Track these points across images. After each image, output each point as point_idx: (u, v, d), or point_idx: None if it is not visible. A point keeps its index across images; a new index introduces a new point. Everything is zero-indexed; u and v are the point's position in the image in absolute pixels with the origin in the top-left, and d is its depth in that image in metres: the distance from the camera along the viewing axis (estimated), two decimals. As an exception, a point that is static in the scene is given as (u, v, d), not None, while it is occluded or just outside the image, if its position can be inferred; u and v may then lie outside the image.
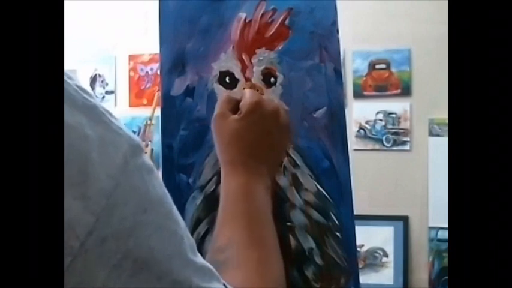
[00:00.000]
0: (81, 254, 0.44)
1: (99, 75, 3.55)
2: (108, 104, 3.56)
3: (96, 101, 0.49)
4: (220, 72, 0.86)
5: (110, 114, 0.50)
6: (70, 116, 0.46)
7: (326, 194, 0.83)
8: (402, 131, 2.95)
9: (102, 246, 0.45)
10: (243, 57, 0.85)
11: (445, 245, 2.80)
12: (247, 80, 0.85)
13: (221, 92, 0.86)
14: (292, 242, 0.83)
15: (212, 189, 0.84)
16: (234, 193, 0.74)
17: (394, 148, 2.96)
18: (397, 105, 2.96)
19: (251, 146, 0.77)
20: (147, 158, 0.50)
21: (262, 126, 0.78)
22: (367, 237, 2.86)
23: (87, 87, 3.75)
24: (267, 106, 0.79)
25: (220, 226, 0.72)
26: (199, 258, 0.52)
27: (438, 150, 2.79)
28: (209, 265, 0.53)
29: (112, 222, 0.45)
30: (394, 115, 2.96)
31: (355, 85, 3.00)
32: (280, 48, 0.85)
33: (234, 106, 0.80)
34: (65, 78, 0.48)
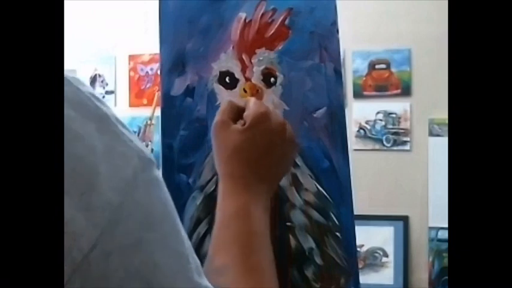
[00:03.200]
0: (83, 267, 0.43)
1: (99, 75, 3.55)
2: (108, 104, 3.56)
3: (108, 110, 0.48)
4: (220, 72, 0.86)
5: (122, 124, 0.48)
6: (80, 125, 0.45)
7: (326, 194, 0.83)
8: (402, 131, 2.95)
9: (106, 261, 0.44)
10: (243, 57, 0.85)
11: (445, 245, 2.80)
12: (247, 80, 0.85)
13: (221, 92, 0.86)
14: (292, 242, 0.83)
15: (212, 189, 0.84)
16: (232, 213, 0.71)
17: (394, 148, 2.96)
18: (397, 105, 2.96)
19: (254, 161, 0.73)
20: (157, 172, 0.49)
21: (268, 141, 0.74)
22: (367, 237, 2.86)
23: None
24: (273, 119, 0.76)
25: (217, 246, 0.69)
26: (204, 280, 0.51)
27: (438, 150, 2.79)
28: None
29: (117, 237, 0.44)
30: (394, 115, 2.96)
31: (355, 85, 3.00)
32: (280, 48, 0.85)
33: (236, 114, 0.77)
34: (78, 85, 0.47)
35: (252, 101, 0.78)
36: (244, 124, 0.75)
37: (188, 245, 0.50)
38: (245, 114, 0.76)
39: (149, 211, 0.47)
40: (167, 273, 0.47)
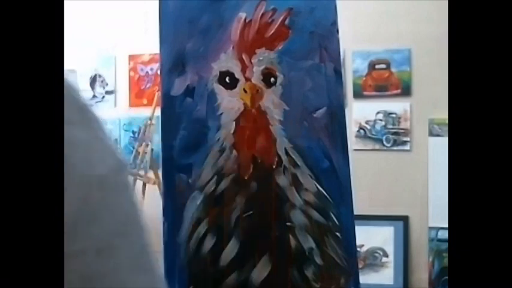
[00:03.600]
0: None
1: (99, 75, 3.55)
2: (108, 104, 3.57)
3: (88, 103, 0.46)
4: (220, 72, 0.86)
5: (100, 121, 0.46)
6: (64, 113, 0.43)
7: (326, 194, 0.83)
8: (402, 131, 2.95)
9: (67, 262, 0.41)
10: (243, 57, 0.85)
11: (445, 245, 2.80)
12: (247, 80, 0.85)
13: (221, 92, 0.86)
14: (292, 242, 0.83)
15: (212, 189, 0.84)
16: None
17: (394, 148, 2.96)
18: (397, 105, 2.96)
19: None
20: (129, 177, 0.47)
21: None
22: (367, 237, 2.86)
23: (87, 87, 3.76)
24: None
25: None
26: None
27: (438, 150, 2.79)
28: None
29: (81, 239, 0.42)
30: (394, 115, 2.96)
31: (355, 85, 3.00)
32: (280, 48, 0.85)
33: None
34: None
35: None
36: None
37: (152, 251, 0.48)
38: None
39: (121, 215, 0.45)
40: (132, 277, 0.45)
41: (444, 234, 2.80)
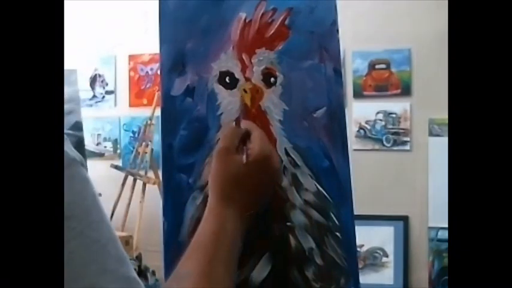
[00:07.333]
0: None
1: (99, 75, 3.55)
2: (108, 104, 3.57)
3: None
4: (220, 72, 0.86)
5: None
6: None
7: (326, 194, 0.83)
8: (402, 131, 2.95)
9: None
10: (243, 57, 0.85)
11: (445, 245, 2.80)
12: (247, 80, 0.85)
13: (221, 92, 0.86)
14: (292, 242, 0.83)
15: (212, 189, 0.84)
16: (210, 230, 0.76)
17: (394, 148, 2.97)
18: (397, 105, 2.96)
19: (247, 191, 0.79)
20: (83, 170, 0.51)
21: (264, 180, 0.81)
22: (367, 237, 2.86)
23: (87, 87, 3.75)
24: (274, 162, 0.81)
25: (189, 254, 0.74)
26: (124, 269, 0.53)
27: (438, 150, 2.80)
28: (137, 278, 0.54)
29: None
30: (394, 115, 2.96)
31: (355, 85, 3.00)
32: (280, 48, 0.85)
33: (240, 139, 0.81)
34: None
35: (257, 134, 0.81)
36: (247, 156, 0.79)
37: (109, 235, 0.53)
38: (251, 146, 0.80)
39: (68, 203, 0.49)
40: (79, 260, 0.49)
41: (444, 234, 2.80)
